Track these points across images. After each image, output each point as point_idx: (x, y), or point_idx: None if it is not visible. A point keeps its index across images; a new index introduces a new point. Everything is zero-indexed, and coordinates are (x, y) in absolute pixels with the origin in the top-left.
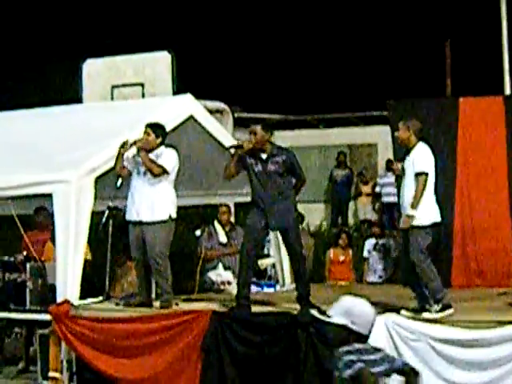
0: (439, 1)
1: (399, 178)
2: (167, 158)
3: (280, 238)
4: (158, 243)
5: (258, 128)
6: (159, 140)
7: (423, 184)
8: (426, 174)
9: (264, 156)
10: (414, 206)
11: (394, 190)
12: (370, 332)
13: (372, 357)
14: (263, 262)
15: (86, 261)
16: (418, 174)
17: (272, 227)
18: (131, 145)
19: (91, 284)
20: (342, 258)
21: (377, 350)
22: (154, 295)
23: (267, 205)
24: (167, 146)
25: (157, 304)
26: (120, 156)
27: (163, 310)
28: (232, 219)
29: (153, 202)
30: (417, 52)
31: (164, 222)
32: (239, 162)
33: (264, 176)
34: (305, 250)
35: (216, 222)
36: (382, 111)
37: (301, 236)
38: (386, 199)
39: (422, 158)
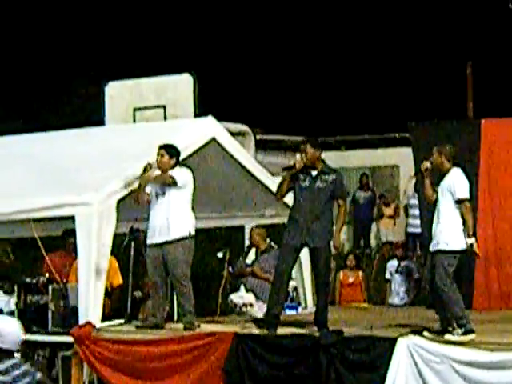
0: (461, 22)
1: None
2: (179, 172)
3: (303, 258)
4: (180, 263)
5: (308, 146)
6: (173, 161)
7: (471, 209)
8: (469, 200)
9: (314, 173)
10: (469, 233)
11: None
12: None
13: (16, 372)
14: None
15: (118, 286)
16: (461, 201)
17: (308, 245)
18: (149, 168)
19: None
20: (351, 280)
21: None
22: (176, 317)
23: (307, 221)
24: (182, 165)
25: (179, 326)
26: (144, 181)
27: (186, 331)
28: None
29: (169, 221)
30: (438, 73)
31: (183, 239)
32: (291, 181)
33: (310, 192)
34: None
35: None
36: (403, 133)
37: (330, 260)
38: (411, 229)
39: (462, 183)
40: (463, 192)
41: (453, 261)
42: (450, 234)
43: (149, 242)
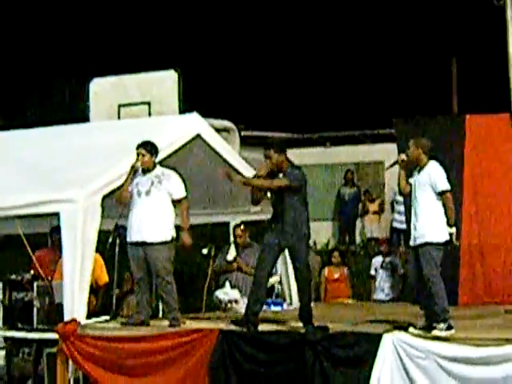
0: (445, 18)
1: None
2: (177, 183)
3: (288, 255)
4: (162, 260)
5: (272, 152)
6: (154, 158)
7: (451, 200)
8: (450, 191)
9: (281, 175)
10: (451, 223)
11: None
12: None
13: None
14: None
15: (104, 284)
16: (442, 193)
17: (282, 245)
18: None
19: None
20: (336, 276)
21: None
22: (160, 314)
23: (279, 223)
24: (163, 165)
25: (164, 322)
26: (129, 180)
27: (171, 328)
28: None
29: (156, 222)
30: (423, 70)
31: (168, 242)
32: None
33: (279, 195)
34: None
35: (230, 241)
36: (388, 129)
37: (308, 255)
38: (397, 225)
39: (441, 175)
40: (444, 183)
41: (439, 253)
42: (434, 226)
43: (130, 239)
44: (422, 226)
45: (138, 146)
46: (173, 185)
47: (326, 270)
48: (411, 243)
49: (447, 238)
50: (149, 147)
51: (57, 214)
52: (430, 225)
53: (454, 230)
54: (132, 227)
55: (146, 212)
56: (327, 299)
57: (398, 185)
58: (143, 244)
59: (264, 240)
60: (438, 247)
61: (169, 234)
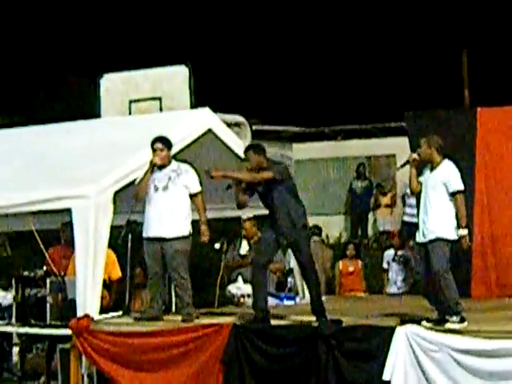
0: (456, 11)
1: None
2: (194, 177)
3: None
4: (179, 256)
5: (251, 153)
6: (170, 152)
7: (463, 201)
8: (463, 192)
9: None
10: (463, 224)
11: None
12: None
13: None
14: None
15: (117, 279)
16: (455, 193)
17: (281, 242)
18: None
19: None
20: (351, 269)
21: None
22: (173, 308)
23: (274, 222)
24: (177, 160)
25: (178, 317)
26: (148, 176)
27: (185, 323)
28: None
29: (174, 217)
30: (434, 62)
31: (186, 237)
32: (246, 191)
33: (266, 196)
34: (318, 263)
35: (242, 235)
36: (399, 122)
37: (310, 248)
38: (407, 218)
39: (455, 175)
40: (457, 184)
41: (448, 249)
42: (445, 223)
43: (147, 235)
44: (432, 223)
45: (155, 141)
46: (190, 179)
47: (340, 264)
48: (419, 239)
49: (456, 237)
50: (165, 142)
51: (69, 210)
52: (441, 222)
53: (465, 232)
54: (149, 223)
55: (164, 207)
56: (342, 292)
57: (409, 184)
58: (161, 240)
59: (261, 236)
60: (448, 244)
61: (186, 228)
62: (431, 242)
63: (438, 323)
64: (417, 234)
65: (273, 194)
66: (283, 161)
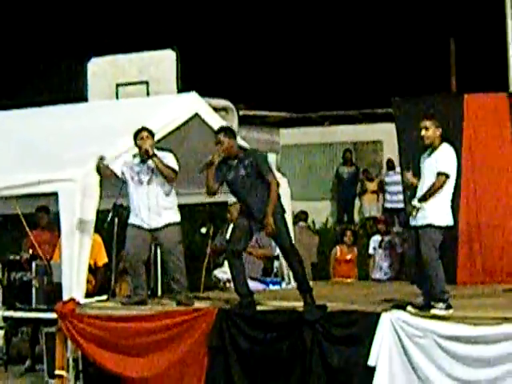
0: None
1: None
2: (172, 160)
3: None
4: (177, 242)
5: (222, 136)
6: (153, 141)
7: (441, 184)
8: (447, 176)
9: (234, 162)
10: (423, 199)
11: (398, 188)
12: None
13: None
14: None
15: (103, 264)
16: (439, 174)
17: (256, 230)
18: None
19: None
20: (348, 257)
21: None
22: (159, 293)
23: (249, 208)
24: (158, 149)
25: (165, 302)
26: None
27: (182, 306)
28: None
29: (162, 209)
30: (421, 49)
31: (177, 223)
32: (217, 177)
33: (237, 182)
34: (304, 249)
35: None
36: (386, 108)
37: (287, 229)
38: (389, 205)
39: (447, 159)
40: (445, 167)
41: (440, 236)
42: (438, 209)
43: (137, 223)
44: (426, 208)
45: (144, 130)
46: (169, 163)
47: (338, 250)
48: (412, 222)
49: (448, 223)
50: (149, 131)
51: (55, 194)
52: (435, 208)
53: (421, 205)
54: (138, 214)
55: (150, 201)
56: (334, 277)
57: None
58: (152, 230)
59: (235, 223)
60: (440, 230)
61: (176, 215)
62: (422, 227)
63: (423, 309)
64: (410, 217)
65: (257, 181)
66: (256, 148)
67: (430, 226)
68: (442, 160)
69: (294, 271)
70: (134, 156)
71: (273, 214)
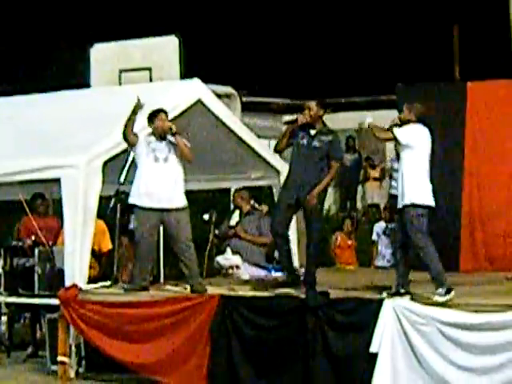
0: None
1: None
2: (187, 141)
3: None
4: (187, 228)
5: (313, 104)
6: None
7: (387, 131)
8: (395, 139)
9: (313, 132)
10: (370, 125)
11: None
12: None
13: None
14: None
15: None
16: (392, 127)
17: (301, 201)
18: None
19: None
20: (349, 243)
21: None
22: (162, 279)
23: (301, 179)
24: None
25: (167, 288)
26: (133, 118)
27: (196, 293)
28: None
29: (175, 188)
30: (425, 36)
31: (187, 207)
32: (291, 136)
33: (307, 150)
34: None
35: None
36: (390, 95)
37: (322, 222)
38: (394, 191)
39: (409, 129)
40: (399, 132)
41: (424, 219)
42: (416, 188)
43: (147, 204)
44: (405, 187)
45: (162, 111)
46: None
47: (338, 237)
48: (398, 206)
49: (427, 202)
50: (167, 113)
51: (58, 180)
52: (414, 187)
53: (370, 119)
54: (150, 194)
55: (166, 178)
56: (338, 264)
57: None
58: (164, 210)
59: (278, 197)
60: (423, 210)
61: (185, 199)
62: (405, 207)
63: (395, 294)
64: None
65: (323, 160)
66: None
67: (413, 205)
68: (404, 129)
69: (308, 254)
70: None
71: (319, 193)
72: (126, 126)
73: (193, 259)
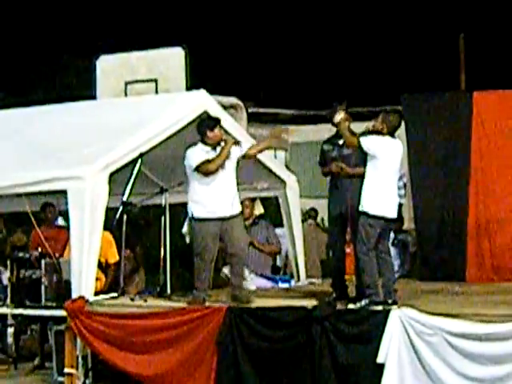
0: None
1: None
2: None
3: (296, 232)
4: (244, 233)
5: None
6: None
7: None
8: (359, 147)
9: (341, 142)
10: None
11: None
12: None
13: None
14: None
15: (114, 263)
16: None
17: (345, 212)
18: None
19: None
20: (347, 251)
21: None
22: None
23: (343, 189)
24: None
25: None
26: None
27: (237, 302)
28: (257, 212)
29: (233, 195)
30: (431, 46)
31: (241, 213)
32: (322, 153)
33: (340, 161)
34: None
35: None
36: (395, 106)
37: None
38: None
39: (376, 140)
40: (367, 144)
41: (374, 230)
42: (372, 198)
43: (204, 215)
44: (363, 195)
45: (217, 121)
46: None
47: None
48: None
49: (382, 213)
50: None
51: (64, 192)
52: (368, 195)
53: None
54: (214, 203)
55: (224, 186)
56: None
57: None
58: (223, 219)
59: (329, 211)
60: (373, 221)
61: (240, 205)
62: (360, 213)
63: (352, 301)
64: None
65: (357, 164)
66: None
67: (364, 213)
68: (371, 138)
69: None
70: (195, 144)
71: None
72: (219, 166)
73: (244, 267)
